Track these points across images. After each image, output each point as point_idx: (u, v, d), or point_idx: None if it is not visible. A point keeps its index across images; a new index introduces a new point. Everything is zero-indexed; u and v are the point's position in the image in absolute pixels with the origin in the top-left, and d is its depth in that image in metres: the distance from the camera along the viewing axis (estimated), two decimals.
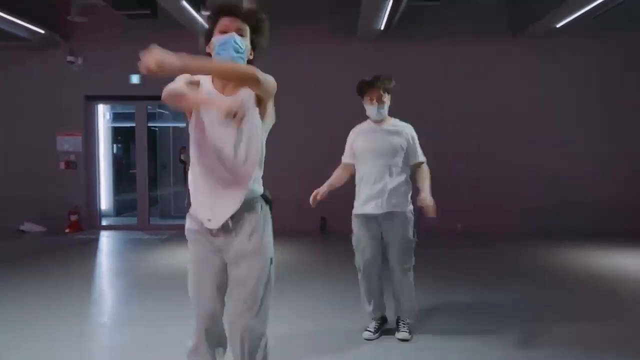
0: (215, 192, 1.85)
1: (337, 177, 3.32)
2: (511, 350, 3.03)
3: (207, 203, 1.86)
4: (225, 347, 2.02)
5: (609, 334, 3.30)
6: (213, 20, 1.87)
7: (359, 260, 3.21)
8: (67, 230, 7.71)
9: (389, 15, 6.49)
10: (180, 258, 5.94)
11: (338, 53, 7.58)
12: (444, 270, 5.10)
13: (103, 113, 8.80)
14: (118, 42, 7.65)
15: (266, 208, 1.96)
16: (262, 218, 1.92)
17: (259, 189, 1.94)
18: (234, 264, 1.90)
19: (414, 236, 3.16)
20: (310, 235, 7.19)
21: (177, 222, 8.39)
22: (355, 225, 3.22)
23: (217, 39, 1.82)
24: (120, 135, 11.59)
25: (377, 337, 3.22)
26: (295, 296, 4.09)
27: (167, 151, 10.29)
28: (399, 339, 3.18)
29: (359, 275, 3.26)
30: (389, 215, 3.09)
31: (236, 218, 1.85)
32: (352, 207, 3.25)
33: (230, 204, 1.83)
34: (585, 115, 7.54)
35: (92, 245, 6.86)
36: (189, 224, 1.96)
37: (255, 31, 1.91)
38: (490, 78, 7.57)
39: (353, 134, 3.32)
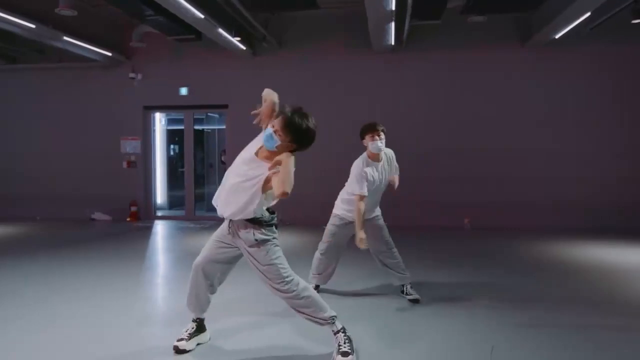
0: None
1: None
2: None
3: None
4: None
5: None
6: None
7: None
8: (128, 219, 9.19)
9: (397, 32, 7.34)
10: None
11: (356, 64, 8.49)
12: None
13: (159, 118, 10.22)
14: (170, 61, 9.05)
15: None
16: None
17: None
18: None
19: None
20: None
21: None
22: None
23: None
24: (177, 137, 12.92)
25: None
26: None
27: (214, 152, 11.59)
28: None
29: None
30: None
31: None
32: None
33: None
34: (586, 118, 8.04)
35: (147, 231, 8.22)
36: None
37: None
38: (495, 85, 8.22)
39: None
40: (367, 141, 3.86)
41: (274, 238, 2.84)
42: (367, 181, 3.78)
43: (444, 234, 7.54)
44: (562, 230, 7.57)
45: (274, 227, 2.85)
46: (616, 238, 6.97)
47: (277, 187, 2.52)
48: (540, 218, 8.01)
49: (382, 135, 3.84)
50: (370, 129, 3.85)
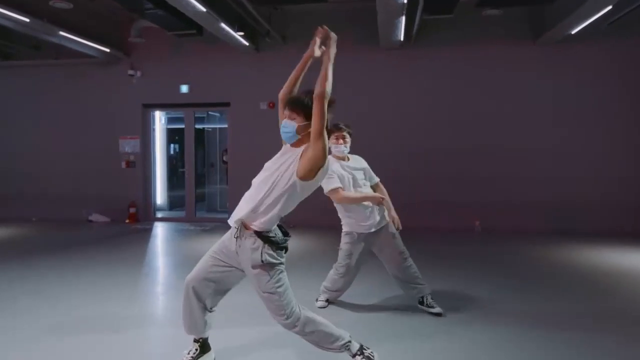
0: None
1: None
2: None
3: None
4: None
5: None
6: None
7: None
8: (127, 221, 8.91)
9: (407, 27, 7.05)
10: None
11: (364, 61, 8.17)
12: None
13: (159, 117, 9.94)
14: (170, 57, 8.77)
15: None
16: None
17: None
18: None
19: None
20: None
21: (221, 215, 9.36)
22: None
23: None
24: (177, 136, 12.63)
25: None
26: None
27: (215, 151, 11.31)
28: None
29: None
30: None
31: None
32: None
33: None
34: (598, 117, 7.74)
35: (146, 234, 7.94)
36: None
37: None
38: (507, 83, 7.92)
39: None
40: (331, 142, 3.62)
41: (281, 264, 2.52)
42: (337, 177, 3.60)
43: (454, 237, 7.25)
44: (573, 232, 7.31)
45: (284, 251, 2.54)
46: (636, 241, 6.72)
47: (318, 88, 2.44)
48: (550, 220, 7.71)
49: (348, 139, 3.66)
50: (334, 130, 3.62)
